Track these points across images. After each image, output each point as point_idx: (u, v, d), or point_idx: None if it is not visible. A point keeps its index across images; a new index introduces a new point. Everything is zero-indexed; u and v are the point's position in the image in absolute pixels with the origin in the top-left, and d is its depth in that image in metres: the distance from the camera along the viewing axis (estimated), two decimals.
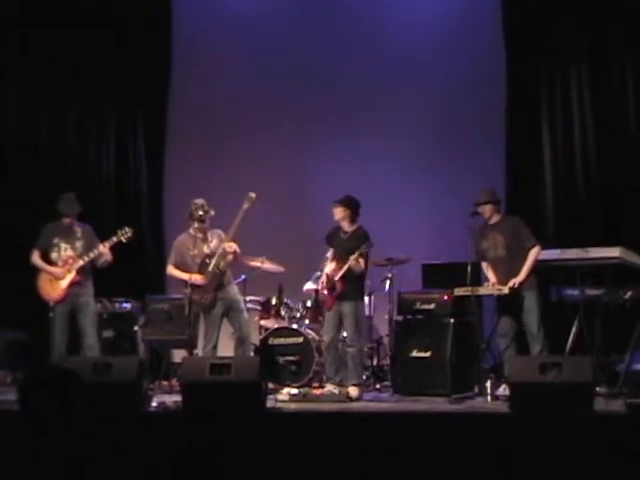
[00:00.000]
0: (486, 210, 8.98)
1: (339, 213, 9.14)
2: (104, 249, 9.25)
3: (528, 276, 8.73)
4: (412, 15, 11.85)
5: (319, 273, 10.49)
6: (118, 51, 11.76)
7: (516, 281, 8.67)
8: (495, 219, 9.01)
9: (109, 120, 11.99)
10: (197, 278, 9.11)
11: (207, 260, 9.15)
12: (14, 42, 11.46)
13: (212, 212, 9.22)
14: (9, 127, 11.49)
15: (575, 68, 10.87)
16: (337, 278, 9.00)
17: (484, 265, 9.06)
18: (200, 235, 9.28)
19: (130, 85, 11.92)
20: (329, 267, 9.20)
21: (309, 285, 10.51)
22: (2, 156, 11.29)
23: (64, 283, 9.23)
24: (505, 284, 8.70)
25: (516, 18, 11.01)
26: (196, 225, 9.23)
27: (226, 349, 9.72)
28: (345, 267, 8.92)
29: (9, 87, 11.54)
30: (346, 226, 9.16)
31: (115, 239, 9.27)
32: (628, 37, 10.53)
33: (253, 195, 9.09)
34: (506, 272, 8.80)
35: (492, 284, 8.87)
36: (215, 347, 9.16)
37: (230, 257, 9.16)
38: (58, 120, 11.73)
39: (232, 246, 9.05)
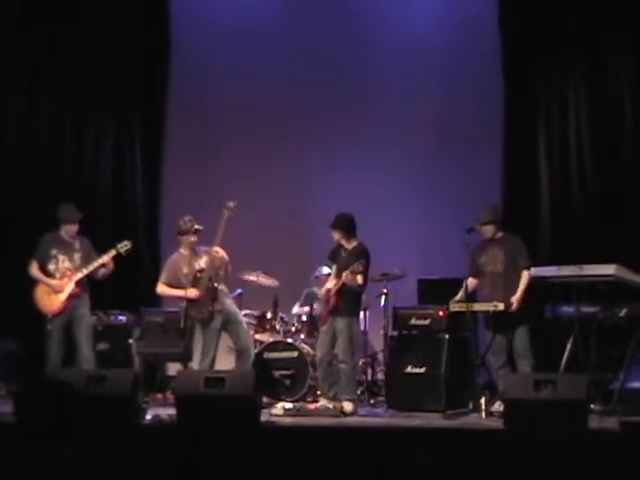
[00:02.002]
0: (487, 230, 8.99)
1: (335, 235, 9.19)
2: (108, 259, 9.26)
3: (525, 297, 8.76)
4: (413, 25, 11.91)
5: (307, 290, 10.55)
6: (117, 63, 11.77)
7: (514, 300, 8.68)
8: (496, 236, 9.03)
9: (106, 132, 11.99)
10: (192, 292, 9.13)
11: (198, 275, 9.21)
12: (11, 49, 11.47)
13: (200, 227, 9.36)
14: (6, 137, 11.48)
15: (572, 78, 10.90)
16: (332, 293, 9.03)
17: (470, 281, 9.02)
18: (192, 253, 9.33)
19: (128, 97, 11.94)
20: (330, 283, 9.22)
21: (296, 309, 10.57)
22: (0, 169, 11.27)
23: (63, 295, 9.23)
24: (502, 300, 8.70)
25: (513, 27, 11.04)
26: (191, 239, 9.30)
27: (223, 363, 9.72)
28: (339, 282, 8.95)
29: (7, 98, 11.54)
30: (345, 244, 9.18)
31: (114, 252, 9.29)
32: (625, 46, 10.56)
33: (231, 204, 9.16)
34: (503, 288, 8.81)
35: (490, 302, 8.80)
36: (213, 361, 9.17)
37: (222, 272, 9.21)
38: (55, 132, 11.73)
39: (219, 251, 9.09)
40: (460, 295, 8.93)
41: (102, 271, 9.36)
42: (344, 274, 8.86)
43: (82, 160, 11.86)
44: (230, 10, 12.35)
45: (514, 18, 11.02)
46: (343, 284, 8.92)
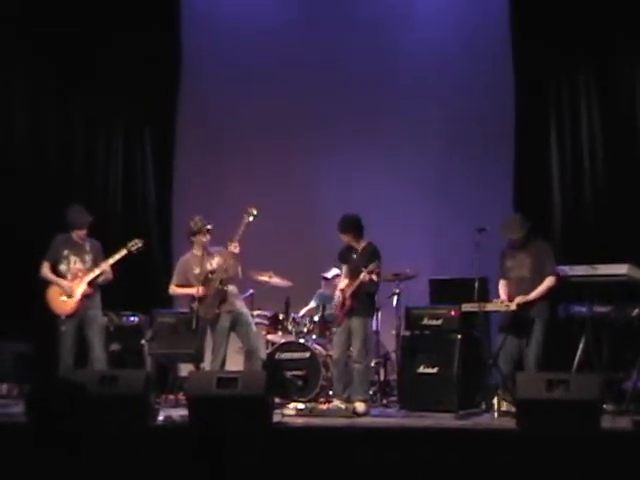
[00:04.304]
0: (519, 239, 8.95)
1: (343, 238, 9.18)
2: (106, 267, 9.30)
3: (538, 300, 8.73)
4: (423, 32, 11.88)
5: (320, 291, 10.55)
6: (127, 64, 11.78)
7: (523, 299, 8.66)
8: (524, 240, 8.99)
9: (117, 134, 12.03)
10: (201, 290, 9.13)
11: (210, 275, 9.20)
12: (19, 52, 11.50)
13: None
14: (17, 140, 11.50)
15: (584, 78, 10.86)
16: (348, 294, 9.01)
17: (502, 283, 9.04)
18: (204, 253, 9.31)
19: (138, 98, 11.95)
20: (342, 283, 9.22)
21: (312, 304, 10.59)
22: (9, 170, 11.29)
23: (77, 296, 9.24)
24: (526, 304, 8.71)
25: (525, 30, 11.01)
26: (203, 240, 9.28)
27: (234, 364, 9.72)
28: (356, 282, 8.94)
29: (17, 100, 11.57)
30: (355, 244, 9.17)
31: (125, 251, 9.31)
32: (638, 48, 10.53)
33: (254, 210, 9.12)
34: (528, 293, 8.78)
35: (501, 301, 8.84)
36: (224, 362, 9.17)
37: (232, 271, 9.18)
38: (67, 133, 11.77)
39: (236, 246, 9.05)
40: (501, 298, 8.93)
41: (103, 277, 9.39)
42: (362, 274, 8.85)
43: (93, 162, 11.90)
44: (241, 13, 12.37)
45: (526, 20, 10.97)
46: (360, 284, 8.92)
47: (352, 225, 9.12)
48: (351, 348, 9.08)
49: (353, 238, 9.14)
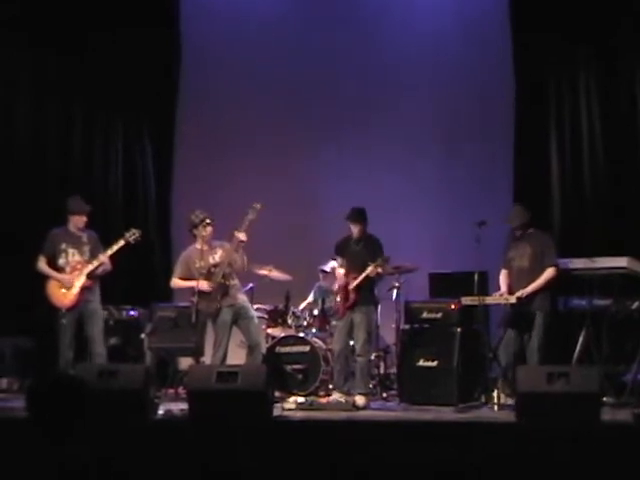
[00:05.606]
0: (521, 227, 8.96)
1: (354, 229, 9.19)
2: (104, 258, 9.27)
3: (538, 293, 8.73)
4: (420, 26, 11.87)
5: (318, 284, 10.54)
6: (126, 62, 11.78)
7: (523, 292, 8.67)
8: (527, 232, 9.00)
9: (116, 129, 12.03)
10: (203, 284, 9.10)
11: (212, 270, 9.18)
12: (24, 52, 11.50)
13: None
14: (17, 138, 11.49)
15: (584, 80, 10.86)
16: (351, 287, 9.01)
17: (503, 273, 9.05)
18: (206, 247, 9.28)
19: (137, 93, 11.95)
20: (344, 279, 9.20)
21: (311, 298, 10.60)
22: (10, 165, 11.28)
23: (76, 288, 9.22)
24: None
25: (525, 29, 10.99)
26: (203, 233, 9.24)
27: (234, 357, 9.72)
28: (362, 276, 8.94)
29: (19, 99, 11.56)
30: (359, 236, 9.18)
31: (123, 241, 9.28)
32: (638, 48, 10.52)
33: (258, 206, 9.10)
34: (527, 283, 8.78)
35: (501, 294, 8.86)
36: (225, 355, 9.15)
37: (239, 262, 9.15)
38: (65, 129, 11.75)
39: (244, 235, 9.01)
40: (502, 289, 8.94)
41: (101, 268, 9.37)
42: (370, 268, 8.86)
43: (93, 159, 11.88)
44: (240, 8, 12.36)
45: (526, 20, 10.96)
46: (367, 277, 8.93)
47: (363, 216, 9.18)
48: (353, 341, 9.09)
49: (363, 229, 9.16)
